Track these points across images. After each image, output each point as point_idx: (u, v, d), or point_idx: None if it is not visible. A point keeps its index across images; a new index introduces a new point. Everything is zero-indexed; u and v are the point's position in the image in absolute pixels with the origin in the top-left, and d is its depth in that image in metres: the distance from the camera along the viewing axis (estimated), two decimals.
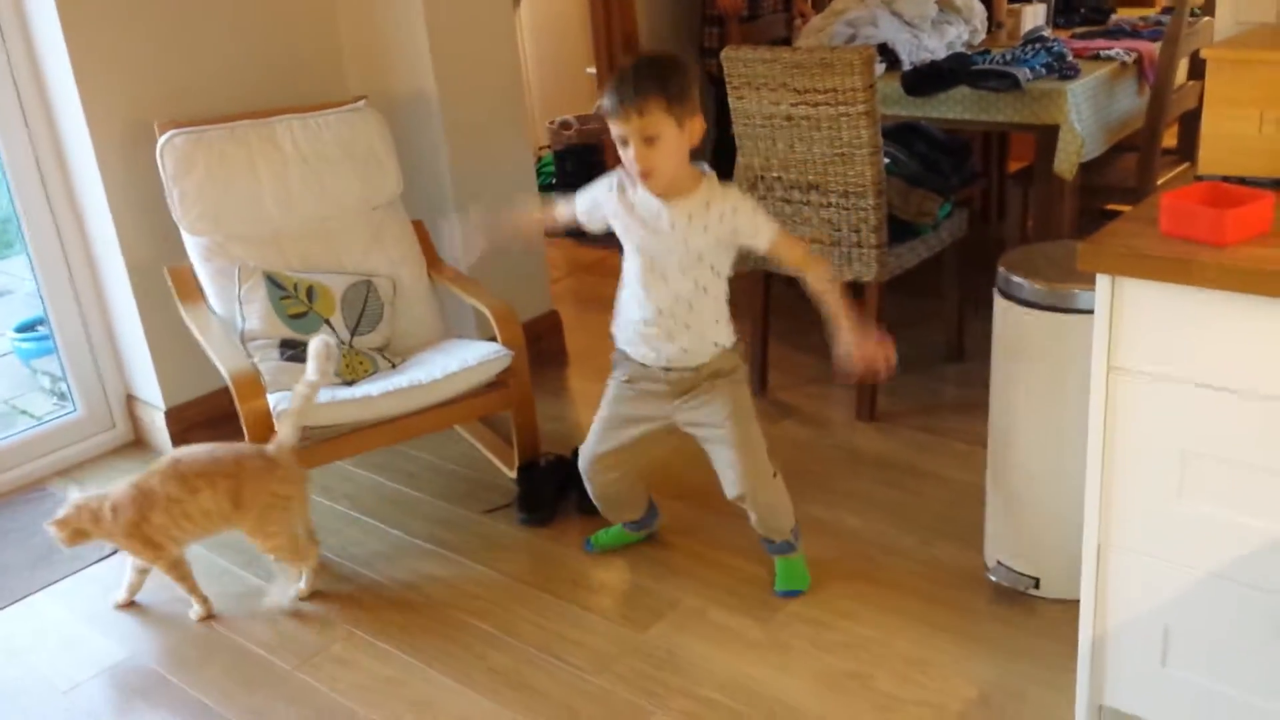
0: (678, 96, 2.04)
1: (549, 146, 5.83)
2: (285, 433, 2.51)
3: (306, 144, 3.10)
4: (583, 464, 2.50)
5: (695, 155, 2.17)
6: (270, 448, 2.50)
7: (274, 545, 2.51)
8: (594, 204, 2.27)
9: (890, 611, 2.37)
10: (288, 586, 2.61)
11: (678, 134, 2.06)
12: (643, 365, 2.32)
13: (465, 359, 2.81)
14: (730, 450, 2.31)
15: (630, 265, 2.25)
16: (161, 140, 2.95)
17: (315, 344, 2.52)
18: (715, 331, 2.27)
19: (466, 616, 2.47)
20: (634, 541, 2.67)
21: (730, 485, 2.35)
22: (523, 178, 3.69)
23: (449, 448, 3.23)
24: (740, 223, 2.16)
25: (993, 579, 2.39)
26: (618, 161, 2.17)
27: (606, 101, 2.07)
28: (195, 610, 2.56)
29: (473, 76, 3.47)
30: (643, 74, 2.04)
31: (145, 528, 2.42)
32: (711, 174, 2.19)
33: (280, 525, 2.49)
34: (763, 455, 2.34)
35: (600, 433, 2.43)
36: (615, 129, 2.07)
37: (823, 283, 2.20)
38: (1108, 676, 1.84)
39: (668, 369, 2.29)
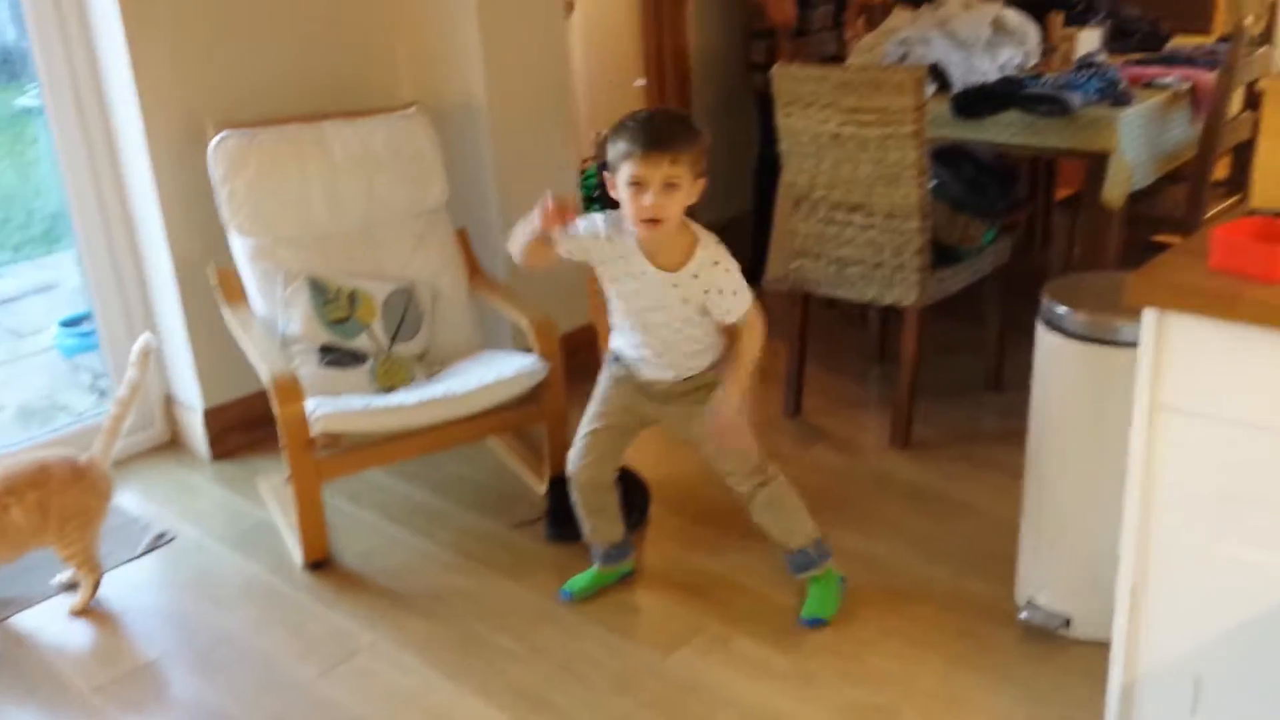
0: (699, 148, 2.10)
1: (594, 158, 5.83)
2: (99, 446, 2.59)
3: (356, 148, 3.12)
4: (569, 468, 2.50)
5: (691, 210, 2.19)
6: (81, 457, 2.56)
7: (71, 553, 2.56)
8: (591, 232, 2.22)
9: (918, 645, 2.33)
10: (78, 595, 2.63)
11: (690, 187, 2.09)
12: (636, 367, 2.35)
13: (501, 371, 2.81)
14: (723, 459, 2.37)
15: (616, 306, 2.31)
16: (214, 140, 2.98)
17: (138, 344, 2.62)
18: (703, 358, 2.31)
19: (490, 632, 2.46)
20: (611, 583, 2.59)
21: (723, 475, 2.41)
22: (566, 188, 3.69)
23: (481, 459, 3.23)
24: (714, 302, 2.20)
25: (1024, 617, 2.34)
26: None
27: (631, 143, 2.05)
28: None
29: (522, 86, 3.47)
30: (675, 123, 2.09)
31: None
32: (704, 240, 2.19)
33: (81, 533, 2.54)
34: (758, 458, 2.38)
35: (589, 431, 2.45)
36: (636, 171, 2.05)
37: (750, 349, 2.24)
38: None
39: (654, 383, 2.34)
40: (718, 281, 2.18)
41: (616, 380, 2.41)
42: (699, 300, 2.20)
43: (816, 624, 2.39)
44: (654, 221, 2.07)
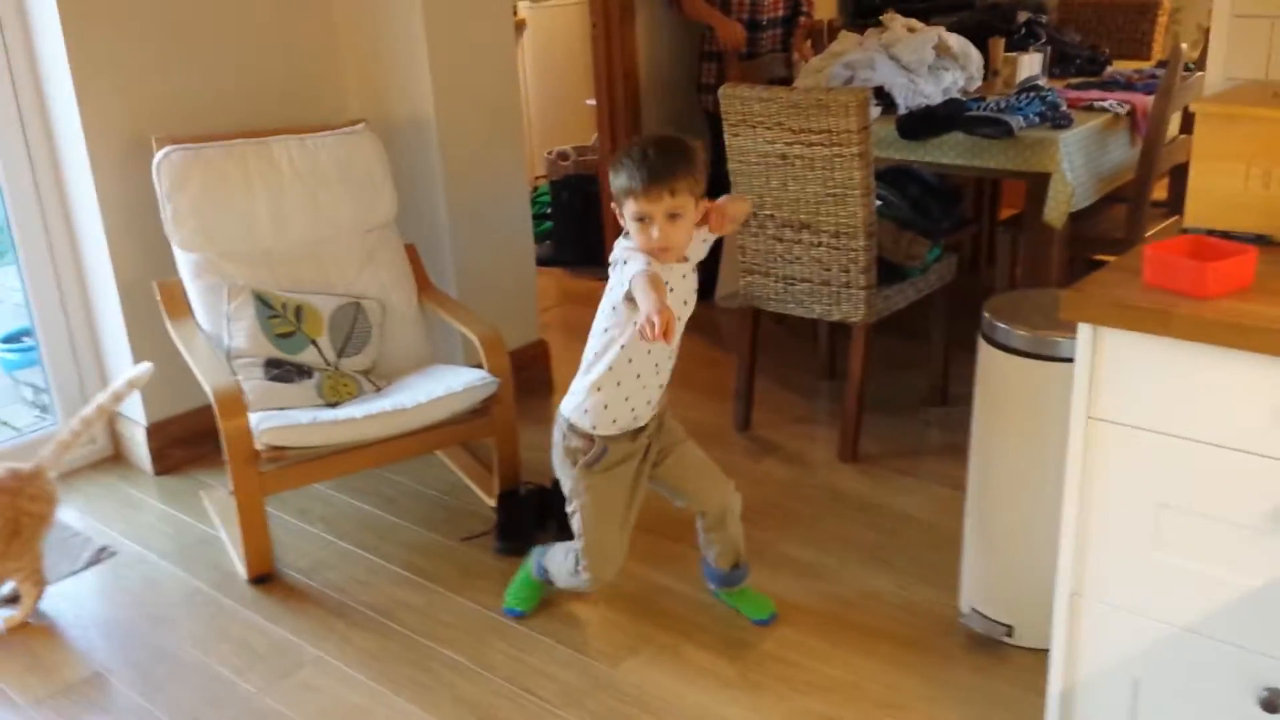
0: (698, 176, 2.10)
1: (545, 176, 5.85)
2: (47, 454, 2.57)
3: (303, 164, 3.11)
4: (610, 573, 2.37)
5: None
6: (25, 466, 2.53)
7: (15, 566, 2.51)
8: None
9: (864, 654, 2.35)
10: (16, 609, 2.60)
11: (694, 211, 2.11)
12: (618, 439, 2.24)
13: (451, 384, 2.80)
14: (700, 459, 2.41)
15: (624, 356, 2.16)
16: (158, 155, 2.96)
17: (136, 370, 2.64)
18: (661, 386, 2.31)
19: (438, 646, 2.45)
20: (549, 591, 2.56)
21: (709, 495, 2.42)
22: (518, 206, 3.70)
23: (430, 473, 3.22)
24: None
25: (967, 625, 2.38)
26: (610, 197, 2.16)
27: (630, 180, 2.06)
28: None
29: (472, 104, 3.48)
30: (672, 153, 2.08)
31: None
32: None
33: (25, 545, 2.50)
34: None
35: (618, 529, 2.32)
36: (640, 207, 2.06)
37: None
38: None
39: (642, 428, 2.28)
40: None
41: (612, 464, 2.26)
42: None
43: (774, 618, 2.47)
44: (665, 250, 2.09)
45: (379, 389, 2.95)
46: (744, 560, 2.50)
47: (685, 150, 2.11)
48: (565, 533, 2.78)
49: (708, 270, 4.42)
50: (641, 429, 2.27)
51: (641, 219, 2.07)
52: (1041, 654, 2.09)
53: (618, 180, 2.10)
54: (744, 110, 3.06)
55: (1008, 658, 2.30)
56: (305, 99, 3.42)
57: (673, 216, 2.07)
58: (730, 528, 2.45)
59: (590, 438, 2.23)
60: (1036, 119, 3.25)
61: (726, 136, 3.14)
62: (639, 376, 2.19)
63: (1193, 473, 1.59)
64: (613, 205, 2.15)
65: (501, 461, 2.93)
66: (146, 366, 2.68)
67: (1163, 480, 1.62)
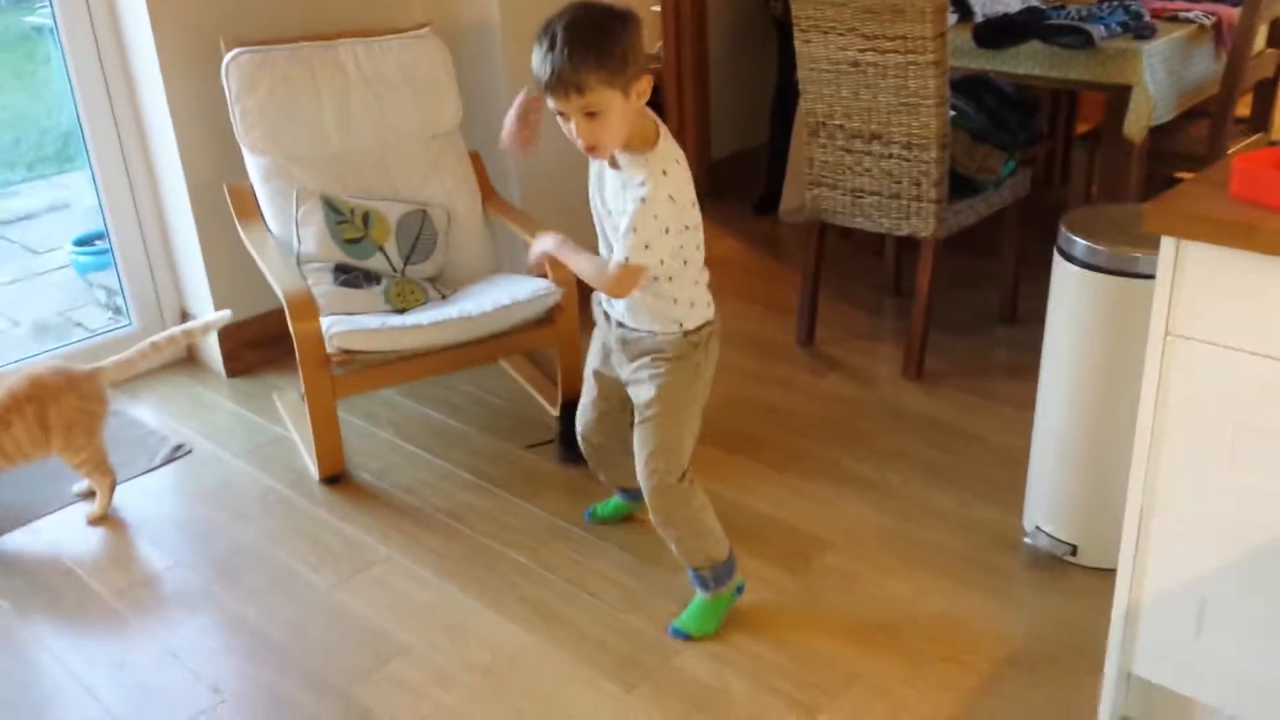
0: (619, 64, 1.80)
1: None
2: (109, 365, 2.66)
3: (369, 69, 3.10)
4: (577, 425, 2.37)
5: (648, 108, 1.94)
6: (83, 368, 2.61)
7: (81, 460, 2.61)
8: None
9: (925, 569, 2.36)
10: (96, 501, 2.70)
11: (623, 104, 1.84)
12: (604, 314, 2.16)
13: (515, 293, 2.82)
14: (640, 440, 2.11)
15: None
16: (227, 58, 2.97)
17: (216, 316, 2.75)
18: (653, 316, 2.05)
19: (503, 548, 2.50)
20: (631, 513, 2.54)
21: (640, 474, 2.14)
22: None
23: (494, 382, 3.25)
24: (624, 218, 1.92)
25: (1030, 543, 2.38)
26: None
27: (537, 73, 1.83)
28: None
29: (537, 9, 3.37)
30: (577, 42, 1.79)
31: None
32: (659, 150, 1.92)
33: (86, 439, 2.59)
34: (676, 456, 2.10)
35: (583, 393, 2.33)
36: (552, 105, 1.86)
37: (596, 267, 2.03)
38: (1139, 645, 1.82)
39: (620, 323, 2.11)
40: (633, 199, 1.90)
41: (595, 324, 2.22)
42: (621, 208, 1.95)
43: (681, 636, 2.19)
44: (591, 149, 1.89)
45: (445, 297, 2.97)
46: (686, 564, 2.20)
47: (606, 33, 1.81)
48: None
49: (772, 184, 4.38)
50: (607, 327, 2.16)
51: (560, 114, 1.87)
52: (1105, 574, 2.09)
53: (532, 66, 1.85)
54: (815, 15, 2.98)
55: (1071, 576, 2.30)
56: (371, 2, 3.39)
57: (589, 115, 1.83)
58: (661, 516, 2.14)
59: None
60: (1119, 28, 3.15)
61: (797, 43, 3.07)
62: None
63: (1272, 391, 1.56)
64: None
65: (564, 371, 2.94)
66: (226, 314, 2.79)
67: (1241, 399, 1.59)
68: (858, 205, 3.14)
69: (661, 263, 1.95)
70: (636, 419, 2.12)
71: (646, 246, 1.91)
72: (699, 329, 2.07)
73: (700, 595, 2.22)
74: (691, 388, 2.10)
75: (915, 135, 2.94)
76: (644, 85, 1.87)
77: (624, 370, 2.15)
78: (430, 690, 2.10)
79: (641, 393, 2.10)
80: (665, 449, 2.09)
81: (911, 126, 2.93)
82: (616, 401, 2.25)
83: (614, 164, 1.97)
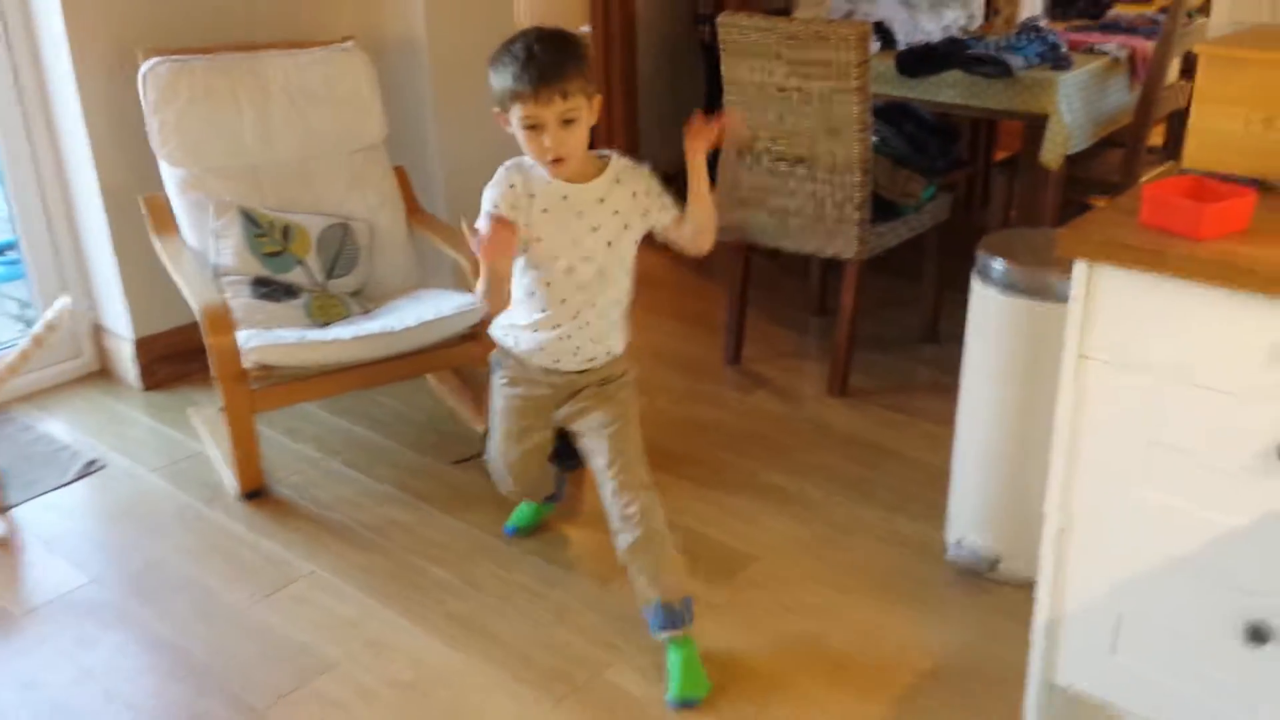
0: (588, 72, 1.92)
1: None
2: None
3: (291, 81, 3.07)
4: (494, 468, 2.35)
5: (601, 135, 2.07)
6: None
7: None
8: (507, 197, 1.99)
9: (849, 583, 2.39)
10: None
11: (589, 113, 1.93)
12: (522, 365, 2.15)
13: (440, 308, 2.80)
14: (614, 448, 2.10)
15: (531, 259, 2.03)
16: (144, 67, 2.91)
17: (54, 307, 2.61)
18: (613, 337, 2.13)
19: (429, 564, 2.48)
20: (550, 513, 2.60)
21: (609, 491, 2.09)
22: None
23: (419, 397, 3.23)
24: (651, 203, 2.06)
25: (953, 557, 2.42)
26: (607, 117, 2.14)
27: (515, 83, 1.87)
28: None
29: (464, 25, 3.43)
30: (562, 50, 1.88)
31: None
32: (614, 155, 2.07)
33: None
34: (643, 466, 2.12)
35: (503, 444, 2.27)
36: (528, 113, 1.88)
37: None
38: (1060, 656, 1.87)
39: (551, 370, 2.12)
40: (642, 181, 2.05)
41: (513, 383, 2.18)
42: (628, 209, 2.02)
43: (688, 705, 2.03)
44: (559, 161, 1.93)
45: (367, 311, 2.94)
46: (669, 599, 2.05)
47: (575, 45, 1.90)
48: (551, 459, 2.81)
49: None
50: (536, 373, 2.15)
51: (533, 126, 1.89)
52: (1027, 586, 2.14)
53: (500, 80, 1.89)
54: (742, 40, 3.03)
55: (993, 590, 2.35)
56: (295, 14, 3.36)
57: (567, 121, 1.89)
58: (631, 545, 2.07)
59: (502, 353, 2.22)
60: (1036, 59, 3.25)
61: (724, 67, 3.11)
62: (533, 296, 2.06)
63: (1183, 412, 1.61)
64: (494, 112, 1.95)
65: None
66: (65, 301, 2.65)
67: (1153, 419, 1.64)
68: (784, 227, 3.18)
69: (624, 268, 2.10)
70: (595, 432, 2.12)
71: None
72: (625, 352, 2.20)
73: (674, 653, 2.06)
74: (635, 401, 2.19)
75: (840, 159, 2.99)
76: (597, 103, 1.97)
77: (568, 407, 2.17)
78: (354, 706, 2.07)
79: (603, 411, 2.13)
80: (641, 456, 2.13)
81: (835, 151, 2.99)
82: (546, 442, 2.29)
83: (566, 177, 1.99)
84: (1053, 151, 3.16)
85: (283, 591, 2.39)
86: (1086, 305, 1.67)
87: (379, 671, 2.15)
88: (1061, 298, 1.83)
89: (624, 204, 2.04)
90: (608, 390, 2.16)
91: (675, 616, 2.06)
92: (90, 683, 2.14)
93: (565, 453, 2.71)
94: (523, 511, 2.59)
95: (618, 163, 2.05)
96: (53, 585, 2.44)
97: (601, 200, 2.01)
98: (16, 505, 2.71)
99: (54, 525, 2.65)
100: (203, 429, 3.02)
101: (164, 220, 2.98)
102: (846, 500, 2.69)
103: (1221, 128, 1.84)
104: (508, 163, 2.03)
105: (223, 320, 2.60)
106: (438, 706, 2.07)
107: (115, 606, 2.37)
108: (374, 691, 2.11)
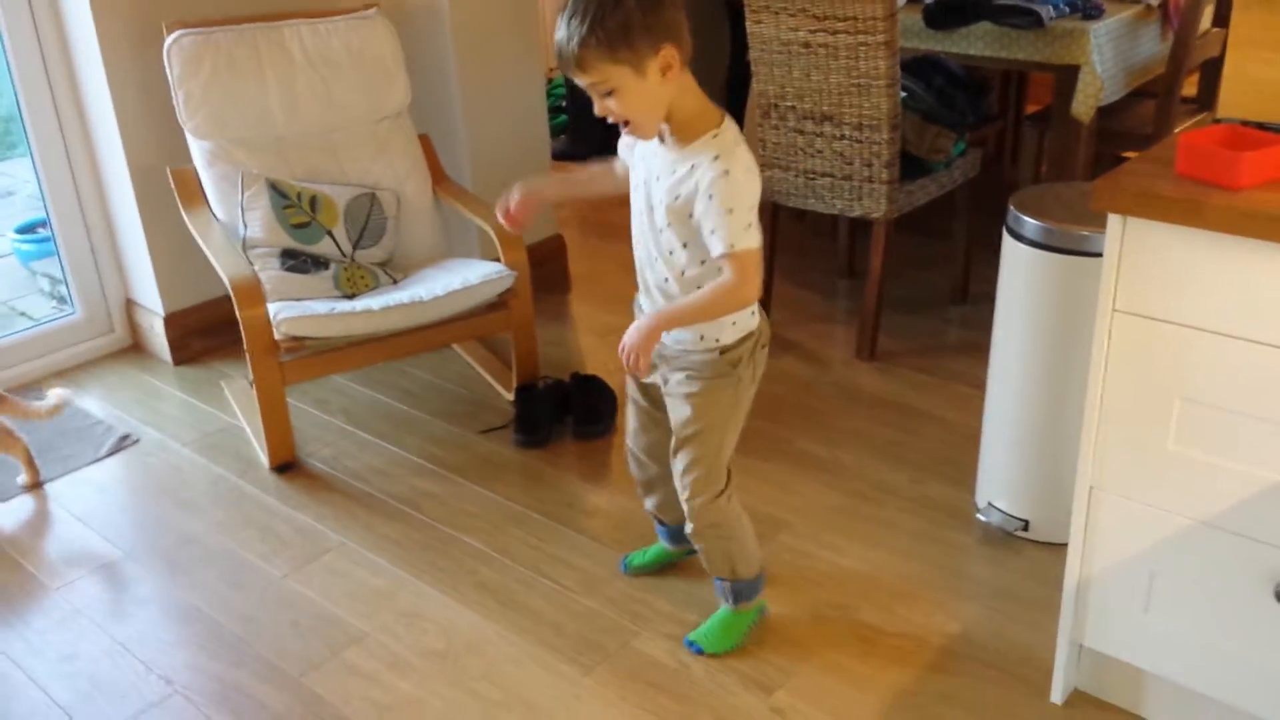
0: (623, 40, 1.66)
1: (560, 68, 5.75)
2: None
3: (315, 50, 3.06)
4: (714, 479, 2.03)
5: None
6: None
7: None
8: (627, 142, 1.91)
9: (878, 546, 2.37)
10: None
11: (638, 80, 1.69)
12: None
13: (467, 277, 2.79)
14: (678, 459, 2.00)
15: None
16: (169, 40, 2.91)
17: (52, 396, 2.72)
18: (689, 328, 1.88)
19: (459, 534, 2.48)
20: (675, 561, 2.34)
21: (679, 488, 2.03)
22: (533, 98, 3.63)
23: (447, 367, 3.23)
24: (699, 207, 1.74)
25: (982, 519, 2.40)
26: None
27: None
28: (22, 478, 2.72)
29: None
30: (577, 18, 1.67)
31: None
32: (726, 129, 1.78)
33: None
34: (714, 474, 1.99)
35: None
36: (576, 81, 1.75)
37: (710, 297, 1.79)
38: (1090, 618, 1.84)
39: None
40: (705, 182, 1.72)
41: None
42: (686, 199, 1.76)
43: (693, 648, 2.11)
44: (628, 126, 1.77)
45: (395, 281, 2.94)
46: (719, 578, 2.10)
47: (603, 11, 1.66)
48: (581, 426, 2.81)
49: None
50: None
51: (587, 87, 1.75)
52: (1057, 548, 2.12)
53: None
54: None
55: (1022, 552, 2.32)
56: None
57: (605, 94, 1.72)
58: (701, 530, 2.03)
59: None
60: (1067, 9, 3.17)
61: (748, 24, 3.06)
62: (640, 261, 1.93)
63: (1218, 367, 1.58)
64: None
65: (519, 356, 2.93)
66: (61, 393, 2.75)
67: (1187, 374, 1.61)
68: (810, 187, 3.14)
69: (702, 263, 1.80)
70: (674, 437, 1.99)
71: (749, 226, 1.73)
72: (739, 343, 1.90)
73: (723, 608, 2.12)
74: (730, 405, 1.94)
75: (866, 116, 2.94)
76: (664, 59, 1.70)
77: (665, 382, 1.98)
78: (385, 677, 2.08)
79: (678, 412, 1.96)
80: (702, 468, 1.98)
81: (863, 108, 2.94)
82: (664, 430, 2.05)
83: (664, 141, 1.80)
84: (1084, 103, 3.09)
85: (315, 563, 2.41)
86: (1121, 259, 1.63)
87: (410, 641, 2.17)
88: (1095, 253, 1.79)
89: (684, 190, 1.77)
90: (690, 385, 1.95)
91: (725, 593, 2.12)
92: (125, 655, 2.17)
93: (584, 418, 2.70)
94: (646, 550, 2.36)
95: (715, 143, 1.76)
96: (87, 559, 2.47)
97: (673, 172, 1.79)
98: (51, 480, 2.74)
99: (88, 500, 2.68)
100: (234, 402, 3.04)
101: (192, 193, 2.99)
102: (876, 464, 2.67)
103: (1258, 74, 1.79)
104: None
105: (254, 293, 2.61)
106: (469, 677, 2.08)
107: (150, 580, 2.39)
108: (406, 661, 2.12)
